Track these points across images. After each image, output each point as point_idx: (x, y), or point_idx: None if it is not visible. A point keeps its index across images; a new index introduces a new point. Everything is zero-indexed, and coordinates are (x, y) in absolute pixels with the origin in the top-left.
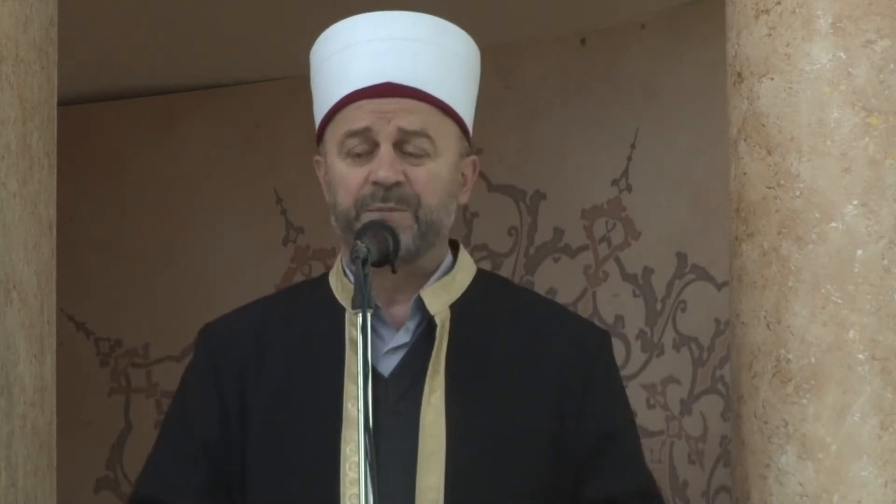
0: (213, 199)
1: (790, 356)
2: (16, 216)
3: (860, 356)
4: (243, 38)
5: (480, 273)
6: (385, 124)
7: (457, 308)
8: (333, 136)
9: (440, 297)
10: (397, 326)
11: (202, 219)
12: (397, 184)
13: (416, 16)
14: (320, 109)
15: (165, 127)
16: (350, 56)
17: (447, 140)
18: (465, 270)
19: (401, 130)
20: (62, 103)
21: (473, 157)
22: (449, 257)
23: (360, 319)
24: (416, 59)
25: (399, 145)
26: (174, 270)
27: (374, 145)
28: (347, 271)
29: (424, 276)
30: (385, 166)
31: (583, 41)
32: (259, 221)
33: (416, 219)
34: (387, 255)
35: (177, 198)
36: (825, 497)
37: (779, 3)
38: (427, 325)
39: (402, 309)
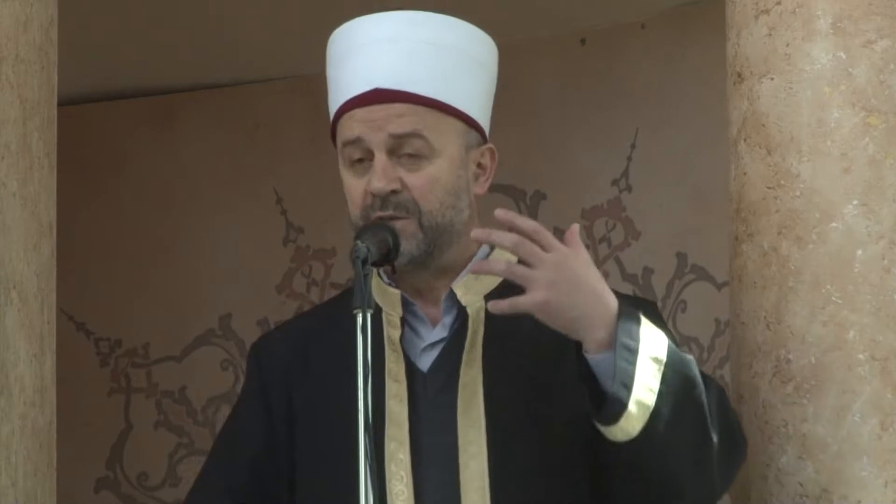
0: (213, 199)
1: (790, 356)
2: (16, 216)
3: (860, 356)
4: (243, 38)
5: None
6: (375, 133)
7: (491, 298)
8: (338, 146)
9: (472, 289)
10: (434, 323)
11: (202, 219)
12: (393, 192)
13: (405, 15)
14: (330, 115)
15: (165, 127)
16: (344, 63)
17: (446, 138)
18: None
19: (392, 136)
20: (62, 103)
21: (489, 146)
22: (484, 250)
23: (359, 319)
24: (405, 60)
25: (394, 150)
26: (174, 270)
27: (372, 154)
28: (383, 273)
29: (458, 273)
30: (378, 176)
31: (583, 41)
32: (259, 221)
33: (421, 226)
34: (387, 255)
35: (177, 198)
36: (825, 497)
37: (779, 3)
38: (463, 319)
39: (438, 306)
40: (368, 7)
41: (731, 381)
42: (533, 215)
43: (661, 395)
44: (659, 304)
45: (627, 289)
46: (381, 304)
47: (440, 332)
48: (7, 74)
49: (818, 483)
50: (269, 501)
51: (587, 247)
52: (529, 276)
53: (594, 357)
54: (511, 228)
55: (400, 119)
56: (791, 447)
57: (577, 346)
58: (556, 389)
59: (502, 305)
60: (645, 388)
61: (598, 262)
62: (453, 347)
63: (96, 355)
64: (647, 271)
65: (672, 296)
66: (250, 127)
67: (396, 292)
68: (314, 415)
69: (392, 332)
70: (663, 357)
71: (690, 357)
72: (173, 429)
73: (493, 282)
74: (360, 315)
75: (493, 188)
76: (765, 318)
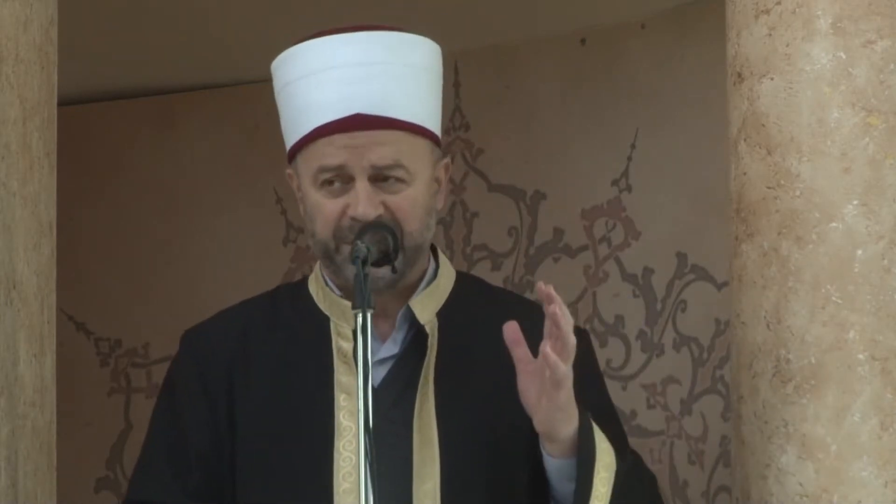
0: (213, 199)
1: (790, 356)
2: (16, 216)
3: (860, 356)
4: (243, 38)
5: (460, 276)
6: (358, 159)
7: (442, 315)
8: (306, 165)
9: (428, 306)
10: (383, 338)
11: (202, 219)
12: (377, 216)
13: (379, 36)
14: (288, 133)
15: (165, 127)
16: (314, 84)
17: (421, 161)
18: (446, 275)
19: (374, 167)
20: (62, 103)
21: (445, 161)
22: (432, 264)
23: (359, 319)
24: (384, 85)
25: (375, 176)
26: (174, 270)
27: (350, 178)
28: (328, 280)
29: (409, 287)
30: (363, 202)
31: (583, 41)
32: (259, 221)
33: (403, 247)
34: (387, 255)
35: (177, 198)
36: (825, 497)
37: (779, 3)
38: (415, 335)
39: (388, 321)
40: (368, 9)
41: (731, 381)
42: (533, 215)
43: (611, 501)
44: (658, 305)
45: (627, 289)
46: (329, 314)
47: (391, 347)
48: (7, 74)
49: (818, 483)
50: (214, 495)
51: (586, 247)
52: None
53: (556, 462)
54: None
55: (382, 148)
56: (791, 447)
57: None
58: (508, 409)
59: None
60: (598, 497)
61: (598, 262)
62: (406, 364)
63: (96, 355)
64: (647, 271)
65: (672, 296)
66: (250, 127)
67: (348, 304)
68: (257, 417)
69: (343, 344)
70: (613, 465)
71: (626, 454)
72: None
73: (442, 298)
74: (360, 315)
75: (493, 188)
76: (765, 318)
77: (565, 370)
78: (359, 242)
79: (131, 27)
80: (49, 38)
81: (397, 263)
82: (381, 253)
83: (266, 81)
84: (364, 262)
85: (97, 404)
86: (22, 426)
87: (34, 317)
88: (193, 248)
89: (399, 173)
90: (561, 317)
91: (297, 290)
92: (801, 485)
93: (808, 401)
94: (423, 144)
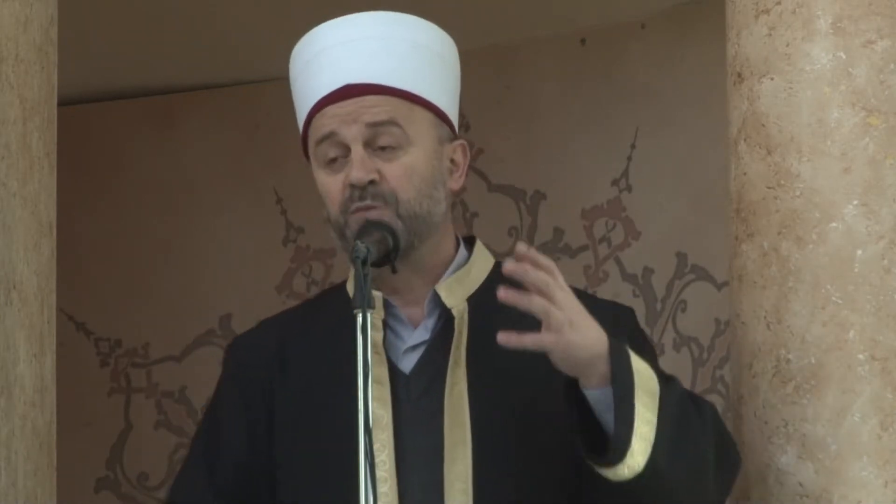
0: (213, 199)
1: (790, 356)
2: (16, 216)
3: (860, 356)
4: (243, 38)
5: (498, 265)
6: (349, 125)
7: (474, 300)
8: (311, 148)
9: (456, 291)
10: (415, 324)
11: (202, 219)
12: (372, 182)
13: (374, 14)
14: (299, 125)
15: (165, 127)
16: (313, 70)
17: (420, 127)
18: (480, 264)
19: (368, 125)
20: (62, 103)
21: (461, 142)
22: (463, 252)
23: (359, 319)
24: (375, 56)
25: (370, 142)
26: (174, 270)
27: (347, 149)
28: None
29: (437, 273)
30: (357, 167)
31: (583, 41)
32: (259, 221)
33: (399, 216)
34: (387, 255)
35: (176, 198)
36: (825, 497)
37: (779, 3)
38: (445, 321)
39: (419, 307)
40: (368, 9)
41: (731, 381)
42: (533, 215)
43: (658, 427)
44: (658, 305)
45: (627, 289)
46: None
47: (422, 333)
48: (7, 74)
49: (818, 483)
50: (254, 501)
51: (586, 247)
52: (555, 315)
53: (595, 392)
54: (532, 264)
55: (374, 109)
56: (791, 447)
57: (567, 387)
58: (539, 391)
59: (526, 341)
60: (645, 422)
61: (598, 262)
62: (436, 349)
63: (96, 355)
64: (647, 271)
65: (672, 296)
66: (250, 127)
67: (378, 294)
68: (296, 418)
69: (374, 334)
70: (656, 389)
71: (675, 381)
72: (173, 429)
73: (473, 285)
74: (360, 315)
75: (493, 188)
76: (765, 318)
77: (554, 336)
78: (359, 242)
79: (131, 27)
80: (49, 38)
81: (397, 262)
82: (382, 253)
83: (266, 81)
84: (364, 263)
85: (97, 404)
86: (22, 426)
87: (34, 317)
88: (193, 248)
89: (395, 133)
90: (525, 272)
91: (335, 291)
92: (801, 485)
93: (808, 401)
94: (421, 113)
